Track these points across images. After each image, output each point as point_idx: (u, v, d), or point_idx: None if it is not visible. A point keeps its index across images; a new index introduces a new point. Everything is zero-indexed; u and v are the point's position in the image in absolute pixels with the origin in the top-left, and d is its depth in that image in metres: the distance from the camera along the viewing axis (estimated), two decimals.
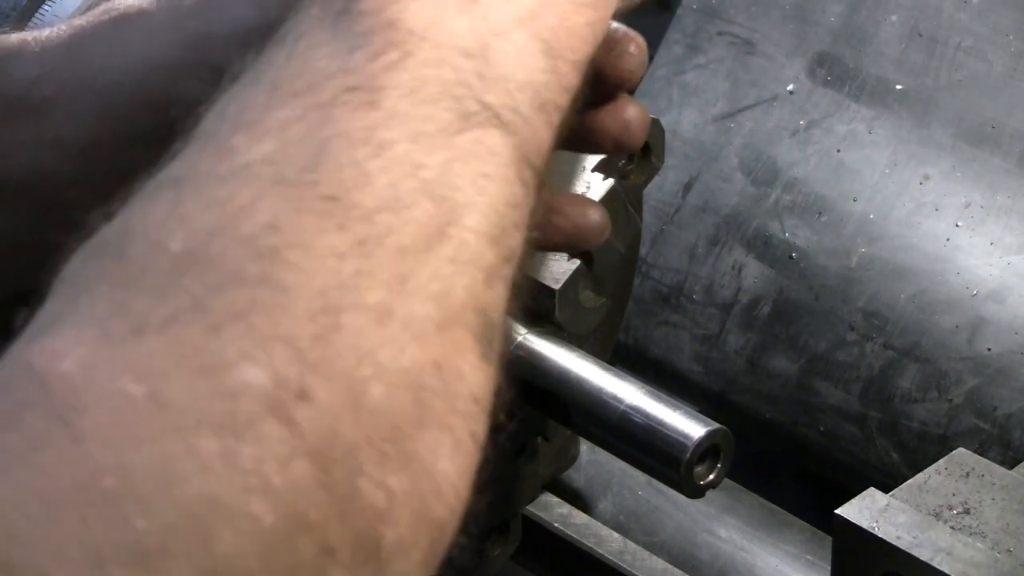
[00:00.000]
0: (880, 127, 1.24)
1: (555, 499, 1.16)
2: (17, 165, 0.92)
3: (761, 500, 1.19)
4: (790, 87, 1.28)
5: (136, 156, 0.65)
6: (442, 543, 0.61)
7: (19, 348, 0.56)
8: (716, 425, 0.94)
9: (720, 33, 1.32)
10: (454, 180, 0.62)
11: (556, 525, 1.14)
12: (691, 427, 0.93)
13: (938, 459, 0.97)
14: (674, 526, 1.17)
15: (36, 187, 0.91)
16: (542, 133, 0.67)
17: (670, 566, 1.11)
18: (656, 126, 1.07)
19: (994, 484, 0.95)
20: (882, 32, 1.26)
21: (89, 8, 0.96)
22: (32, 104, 0.91)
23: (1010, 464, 1.05)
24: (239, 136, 0.61)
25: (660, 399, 0.96)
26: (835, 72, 1.27)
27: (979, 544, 0.90)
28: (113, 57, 0.92)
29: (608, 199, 1.03)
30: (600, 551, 1.12)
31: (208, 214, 0.59)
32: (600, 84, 0.86)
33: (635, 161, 1.06)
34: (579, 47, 0.70)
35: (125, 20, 0.93)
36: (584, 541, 1.13)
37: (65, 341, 0.56)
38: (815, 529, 1.16)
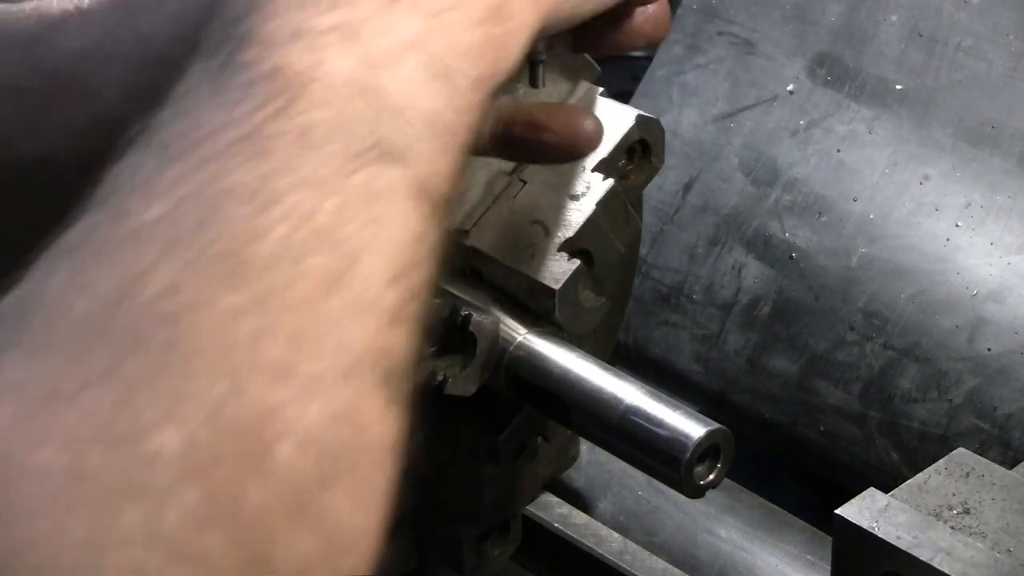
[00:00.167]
0: (880, 127, 1.24)
1: (555, 499, 1.16)
2: (68, 145, 0.88)
3: (761, 500, 1.19)
4: (790, 87, 1.28)
5: None
6: None
7: None
8: (716, 425, 0.94)
9: (720, 33, 1.32)
10: (349, 224, 0.62)
11: (556, 525, 1.14)
12: (691, 427, 0.93)
13: (938, 459, 0.97)
14: (674, 526, 1.17)
15: (89, 167, 0.89)
16: (441, 160, 0.67)
17: (670, 566, 1.11)
18: (656, 126, 1.07)
19: (994, 484, 0.95)
20: (882, 32, 1.26)
21: None
22: (81, 79, 0.88)
23: (1010, 464, 1.05)
24: (133, 199, 0.61)
25: (660, 399, 0.96)
26: (835, 72, 1.27)
27: (979, 544, 0.90)
28: (160, 25, 0.88)
29: (608, 199, 1.03)
30: (600, 551, 1.12)
31: (109, 279, 0.59)
32: None
33: (635, 161, 1.06)
34: (477, 64, 0.69)
35: None
36: (584, 541, 1.13)
37: None
38: (815, 529, 1.16)
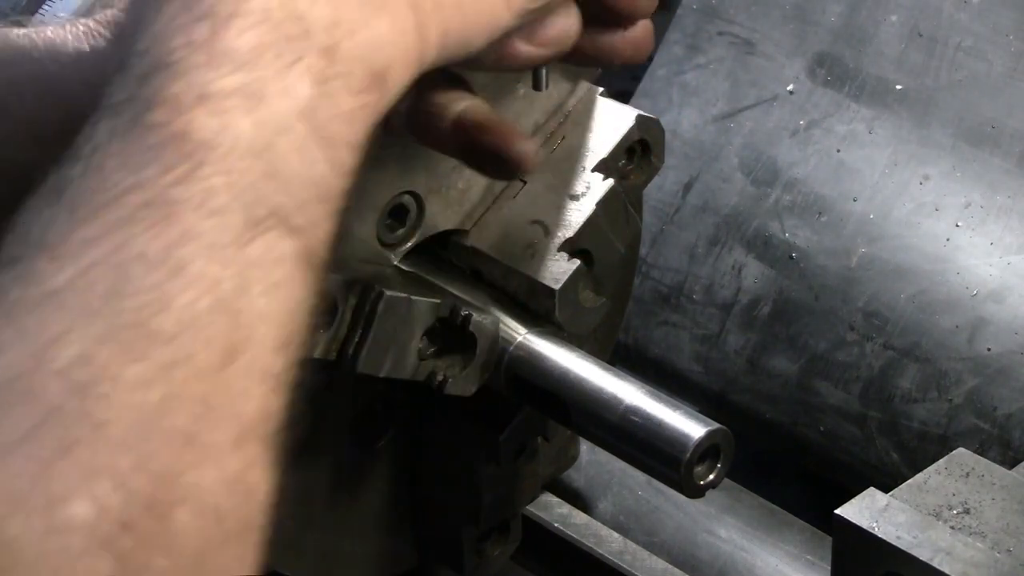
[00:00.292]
0: (880, 127, 1.24)
1: (555, 499, 1.16)
2: None
3: (761, 500, 1.19)
4: (790, 87, 1.28)
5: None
6: None
7: None
8: (716, 425, 0.94)
9: (720, 33, 1.32)
10: (246, 294, 0.65)
11: (556, 525, 1.14)
12: (691, 427, 0.93)
13: (938, 459, 0.98)
14: (674, 526, 1.17)
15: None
16: (324, 226, 0.70)
17: (670, 566, 1.11)
18: (656, 126, 1.07)
19: (994, 484, 0.95)
20: (882, 32, 1.26)
21: (90, 8, 0.95)
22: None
23: (1010, 464, 1.05)
24: (44, 261, 0.64)
25: (660, 399, 0.96)
26: (835, 72, 1.27)
27: (979, 544, 0.90)
28: (66, 68, 0.91)
29: (608, 199, 1.03)
30: (600, 551, 1.12)
31: (22, 345, 0.61)
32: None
33: (635, 161, 1.06)
34: (358, 131, 0.72)
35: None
36: (584, 541, 1.13)
37: None
38: (815, 529, 1.16)
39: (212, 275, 0.64)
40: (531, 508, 1.14)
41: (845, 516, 0.91)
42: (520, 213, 1.03)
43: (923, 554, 0.88)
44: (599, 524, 1.15)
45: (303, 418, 0.68)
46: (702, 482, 0.95)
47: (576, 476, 1.20)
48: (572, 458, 1.17)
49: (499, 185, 1.04)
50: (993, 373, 1.15)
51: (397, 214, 1.00)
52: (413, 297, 0.96)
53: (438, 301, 0.97)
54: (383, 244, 1.00)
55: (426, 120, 0.88)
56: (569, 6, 0.88)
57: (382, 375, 0.96)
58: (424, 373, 0.98)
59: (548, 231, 1.02)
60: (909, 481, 0.95)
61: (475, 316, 0.98)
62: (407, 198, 1.00)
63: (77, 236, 0.64)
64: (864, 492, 0.92)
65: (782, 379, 1.23)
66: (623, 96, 1.19)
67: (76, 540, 0.58)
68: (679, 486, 0.95)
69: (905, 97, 1.24)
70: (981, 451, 1.10)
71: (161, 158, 0.66)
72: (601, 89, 1.07)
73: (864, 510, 0.91)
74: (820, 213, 1.24)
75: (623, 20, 0.91)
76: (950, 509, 0.93)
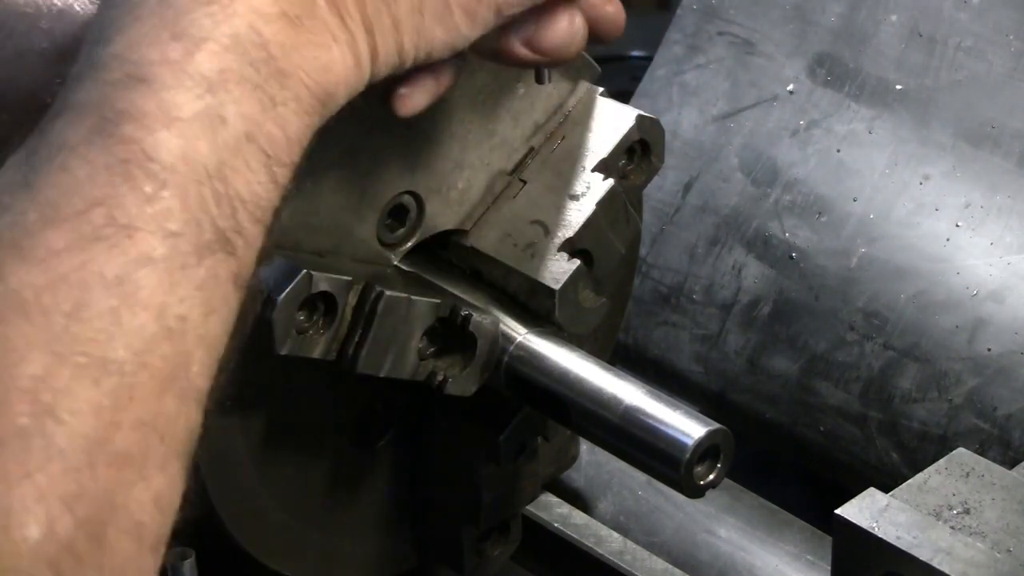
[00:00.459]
0: (880, 127, 1.24)
1: (555, 499, 1.16)
2: None
3: (761, 500, 1.19)
4: (790, 87, 1.28)
5: None
6: None
7: None
8: (716, 425, 0.94)
9: (720, 33, 1.32)
10: (189, 319, 0.70)
11: (556, 525, 1.14)
12: (691, 427, 0.93)
13: (938, 459, 0.98)
14: (674, 526, 1.17)
15: None
16: (257, 244, 0.74)
17: (670, 566, 1.11)
18: (656, 126, 1.07)
19: (994, 484, 0.95)
20: (882, 32, 1.26)
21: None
22: None
23: (1010, 464, 1.05)
24: (13, 261, 0.68)
25: (660, 399, 0.96)
26: (835, 72, 1.27)
27: (979, 544, 0.90)
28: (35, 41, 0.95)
29: (608, 199, 1.03)
30: (600, 551, 1.12)
31: None
32: None
33: (635, 161, 1.06)
34: (299, 150, 0.76)
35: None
36: (584, 541, 1.13)
37: None
38: (815, 529, 1.16)
39: (160, 300, 0.69)
40: (531, 508, 1.14)
41: (845, 516, 0.91)
42: (520, 213, 1.03)
43: (923, 554, 0.88)
44: (599, 524, 1.15)
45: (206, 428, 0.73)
46: (702, 482, 0.95)
47: (576, 476, 1.20)
48: (572, 458, 1.17)
49: (499, 185, 1.04)
50: (993, 373, 1.15)
51: (397, 214, 1.00)
52: (413, 297, 0.96)
53: (438, 301, 0.97)
54: (383, 244, 1.00)
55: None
56: (572, 11, 0.89)
57: (382, 375, 0.96)
58: (424, 373, 0.98)
59: (548, 231, 1.02)
60: (909, 481, 0.95)
61: (475, 316, 0.98)
62: (407, 198, 1.00)
63: (46, 242, 0.68)
64: (864, 492, 0.93)
65: (782, 379, 1.23)
66: (623, 96, 1.19)
67: (25, 561, 0.63)
68: (679, 486, 0.95)
69: (905, 97, 1.24)
70: (981, 451, 1.10)
71: (129, 176, 0.70)
72: (601, 89, 1.07)
73: (864, 510, 0.91)
74: (820, 213, 1.24)
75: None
76: (950, 509, 0.93)
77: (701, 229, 1.28)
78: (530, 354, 1.00)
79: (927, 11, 1.25)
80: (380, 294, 0.94)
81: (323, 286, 0.92)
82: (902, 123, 1.24)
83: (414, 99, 0.88)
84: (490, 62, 0.93)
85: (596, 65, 1.08)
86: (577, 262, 1.01)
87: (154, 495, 0.68)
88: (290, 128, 0.75)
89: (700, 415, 0.95)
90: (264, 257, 0.75)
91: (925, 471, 0.96)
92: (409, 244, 1.01)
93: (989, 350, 1.16)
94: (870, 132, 1.25)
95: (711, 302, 1.26)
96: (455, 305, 0.98)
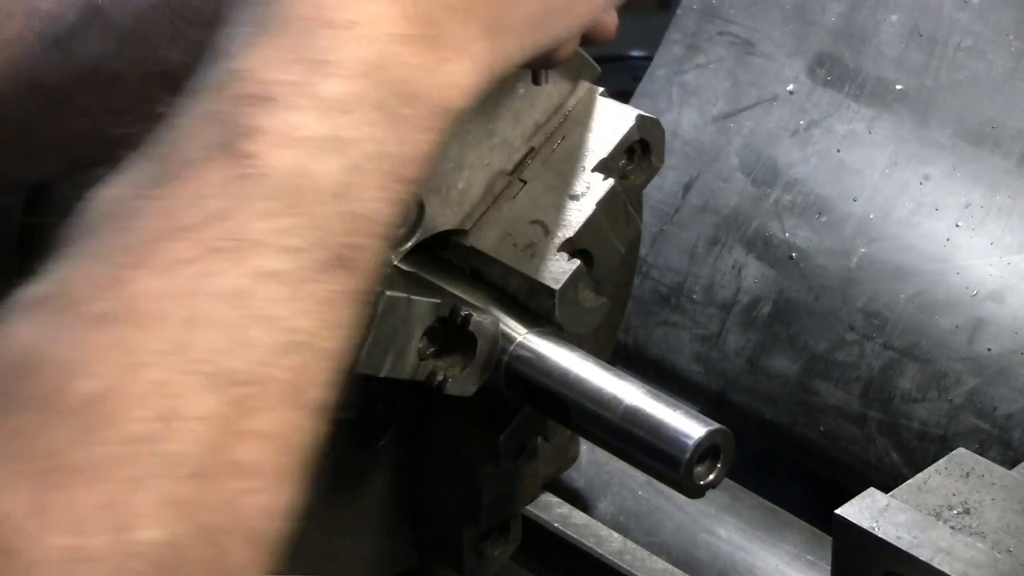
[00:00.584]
0: (880, 127, 1.24)
1: (555, 499, 1.16)
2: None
3: (761, 500, 1.19)
4: (790, 87, 1.28)
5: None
6: None
7: None
8: (716, 425, 0.94)
9: (720, 33, 1.32)
10: (309, 332, 0.70)
11: (556, 525, 1.14)
12: (691, 427, 0.93)
13: (938, 459, 0.98)
14: (674, 526, 1.17)
15: None
16: (375, 260, 0.74)
17: (670, 566, 1.11)
18: (656, 126, 1.07)
19: (994, 484, 0.95)
20: (882, 32, 1.26)
21: None
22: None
23: (1010, 464, 1.05)
24: (131, 266, 0.67)
25: (660, 399, 0.96)
26: (835, 72, 1.27)
27: (979, 544, 0.90)
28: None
29: (608, 199, 1.03)
30: (600, 551, 1.12)
31: (106, 367, 0.65)
32: None
33: (635, 161, 1.06)
34: (420, 167, 0.76)
35: None
36: (584, 541, 1.13)
37: None
38: (815, 529, 1.16)
39: (280, 314, 0.69)
40: (531, 508, 1.14)
41: (845, 516, 0.91)
42: (520, 213, 1.03)
43: (923, 554, 0.88)
44: (599, 524, 1.14)
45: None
46: (702, 482, 0.95)
47: (576, 476, 1.20)
48: (572, 458, 1.17)
49: (499, 185, 1.04)
50: (993, 373, 1.15)
51: None
52: (413, 297, 0.96)
53: (438, 301, 0.97)
54: None
55: None
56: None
57: (382, 375, 0.96)
58: (424, 373, 0.98)
59: (548, 231, 1.02)
60: (909, 481, 0.95)
61: (475, 316, 0.98)
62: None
63: (167, 251, 0.68)
64: (864, 492, 0.92)
65: (782, 379, 1.23)
66: (623, 96, 1.19)
67: (144, 564, 0.63)
68: (679, 486, 0.95)
69: (905, 97, 1.24)
70: (981, 451, 1.10)
71: (248, 193, 0.69)
72: (601, 89, 1.07)
73: (864, 510, 0.91)
74: (820, 213, 1.24)
75: None
76: (950, 509, 0.93)
77: (701, 229, 1.28)
78: (530, 354, 1.00)
79: (927, 11, 1.25)
80: (380, 294, 0.94)
81: None
82: (902, 123, 1.24)
83: None
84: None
85: (596, 65, 1.08)
86: (577, 262, 1.01)
87: (272, 505, 0.68)
88: (415, 146, 0.75)
89: (700, 415, 0.95)
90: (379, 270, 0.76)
91: (925, 471, 0.96)
92: (409, 244, 1.01)
93: (989, 350, 1.16)
94: (870, 132, 1.25)
95: (711, 302, 1.26)
96: (455, 305, 0.98)
